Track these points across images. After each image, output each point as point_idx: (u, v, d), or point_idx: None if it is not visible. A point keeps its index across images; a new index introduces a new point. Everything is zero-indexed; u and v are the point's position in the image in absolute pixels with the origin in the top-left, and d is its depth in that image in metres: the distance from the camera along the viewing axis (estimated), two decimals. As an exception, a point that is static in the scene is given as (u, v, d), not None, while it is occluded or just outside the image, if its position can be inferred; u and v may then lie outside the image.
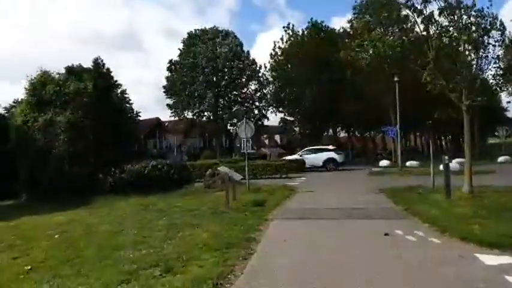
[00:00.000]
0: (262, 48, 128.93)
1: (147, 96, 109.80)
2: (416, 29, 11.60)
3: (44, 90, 16.78)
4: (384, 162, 32.23)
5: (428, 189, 13.95)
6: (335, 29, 45.82)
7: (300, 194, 14.83)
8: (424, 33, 11.21)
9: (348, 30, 43.09)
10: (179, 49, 40.45)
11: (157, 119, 52.79)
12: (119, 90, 25.68)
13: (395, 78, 25.37)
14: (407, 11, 10.40)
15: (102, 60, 18.90)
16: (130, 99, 22.75)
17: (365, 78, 42.30)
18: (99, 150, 16.07)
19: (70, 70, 17.93)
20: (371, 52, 37.68)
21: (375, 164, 37.42)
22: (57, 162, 15.58)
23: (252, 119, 42.72)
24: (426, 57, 11.73)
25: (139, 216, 11.09)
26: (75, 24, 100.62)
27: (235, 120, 39.30)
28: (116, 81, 19.40)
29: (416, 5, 11.12)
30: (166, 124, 51.10)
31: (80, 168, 15.65)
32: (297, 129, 48.92)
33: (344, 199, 12.89)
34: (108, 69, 19.11)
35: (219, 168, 12.27)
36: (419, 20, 11.42)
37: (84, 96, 16.46)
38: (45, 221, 11.19)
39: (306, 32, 44.29)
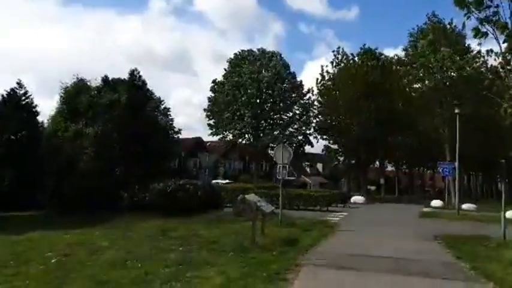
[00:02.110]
0: (309, 77, 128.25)
1: (193, 117, 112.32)
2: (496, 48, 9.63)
3: (77, 99, 16.43)
4: (436, 203, 29.03)
5: (499, 241, 11.49)
6: (388, 56, 43.57)
7: (340, 234, 12.84)
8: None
9: (403, 58, 41.00)
10: (224, 69, 40.29)
11: (199, 138, 52.83)
12: (162, 107, 25.14)
13: (456, 110, 22.80)
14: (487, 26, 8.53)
15: (138, 72, 18.45)
16: (171, 116, 22.25)
17: (418, 109, 39.78)
18: (125, 166, 15.20)
19: (105, 80, 17.55)
20: (427, 82, 35.67)
21: (422, 202, 34.19)
22: (81, 177, 14.89)
23: (294, 145, 41.06)
24: (506, 83, 9.64)
25: (152, 244, 9.79)
26: (132, 43, 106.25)
27: (275, 144, 37.87)
28: (152, 94, 18.76)
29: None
30: (208, 144, 50.87)
31: (103, 184, 14.82)
32: (341, 158, 46.36)
33: (392, 245, 10.76)
34: (143, 81, 18.58)
35: (246, 196, 10.75)
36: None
37: (116, 109, 15.85)
38: (53, 239, 10.23)
39: (357, 58, 42.58)
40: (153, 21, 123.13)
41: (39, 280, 6.49)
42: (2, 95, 20.63)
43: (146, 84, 18.95)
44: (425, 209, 25.47)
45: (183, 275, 6.71)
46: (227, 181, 40.11)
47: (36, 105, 20.85)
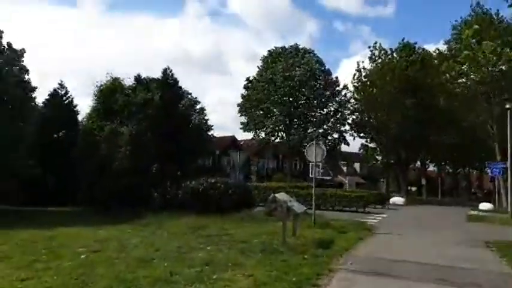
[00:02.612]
0: (345, 74, 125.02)
1: (229, 116, 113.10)
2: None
3: (112, 98, 16.70)
4: (485, 205, 27.07)
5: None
6: (428, 51, 41.40)
7: (378, 237, 12.10)
8: None
9: (445, 51, 38.78)
10: (258, 67, 39.96)
11: (233, 137, 52.96)
12: (198, 106, 25.30)
13: (507, 106, 21.07)
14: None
15: (171, 71, 18.50)
16: (205, 115, 22.27)
17: (462, 105, 37.43)
18: (159, 165, 15.23)
19: (138, 79, 17.72)
20: (472, 76, 33.41)
21: (469, 204, 32.13)
22: (115, 176, 15.10)
23: (329, 143, 39.98)
24: None
25: (182, 241, 9.64)
26: (170, 46, 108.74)
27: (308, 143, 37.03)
28: (184, 92, 18.76)
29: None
30: (241, 143, 50.87)
31: (137, 183, 14.93)
32: (379, 157, 44.63)
33: (437, 250, 9.90)
34: (176, 79, 18.61)
35: (277, 195, 10.31)
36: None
37: (150, 107, 15.94)
38: (87, 235, 10.35)
39: (395, 53, 40.84)
40: (189, 24, 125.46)
41: (67, 276, 6.43)
42: (47, 96, 21.61)
43: (178, 82, 19.03)
44: (473, 212, 23.79)
45: (208, 277, 6.42)
46: (259, 180, 40.01)
47: (76, 105, 21.66)
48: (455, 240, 11.95)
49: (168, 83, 18.50)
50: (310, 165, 13.14)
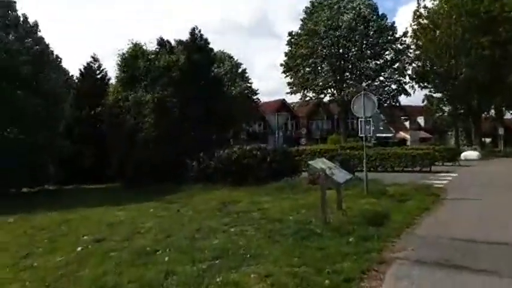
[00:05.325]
0: (403, 25, 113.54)
1: (280, 80, 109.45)
2: None
3: (135, 65, 15.42)
4: None
5: None
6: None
7: (450, 205, 9.69)
8: None
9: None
10: (301, 19, 36.39)
11: (283, 100, 50.60)
12: (240, 69, 23.48)
13: None
14: None
15: (199, 31, 16.68)
16: (249, 79, 20.50)
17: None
18: (188, 133, 13.87)
19: (161, 43, 16.17)
20: None
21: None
22: (142, 147, 14.04)
23: (386, 96, 36.21)
24: None
25: (204, 222, 8.20)
26: (216, 15, 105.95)
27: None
28: (215, 54, 16.91)
29: None
30: (292, 105, 48.48)
31: (167, 153, 13.74)
32: (446, 108, 39.79)
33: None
34: (206, 40, 16.75)
35: (311, 163, 8.38)
36: None
37: (174, 70, 14.41)
38: (101, 218, 9.36)
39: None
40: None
41: (42, 280, 5.28)
42: (80, 70, 21.14)
43: (209, 43, 17.16)
44: None
45: (210, 279, 4.82)
46: (313, 143, 37.78)
47: (110, 78, 20.89)
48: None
49: (196, 44, 16.75)
50: (359, 121, 10.84)
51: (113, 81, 18.85)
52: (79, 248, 6.67)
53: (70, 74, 25.70)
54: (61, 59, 23.69)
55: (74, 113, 19.59)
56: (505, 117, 49.78)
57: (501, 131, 41.14)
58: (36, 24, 17.09)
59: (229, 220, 8.36)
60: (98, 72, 21.31)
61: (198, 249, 6.20)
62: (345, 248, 5.86)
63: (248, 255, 5.71)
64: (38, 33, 17.21)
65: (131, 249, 6.40)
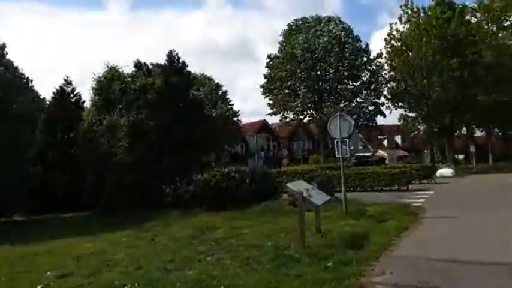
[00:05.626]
0: (377, 46, 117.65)
1: (261, 102, 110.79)
2: None
3: (110, 88, 15.14)
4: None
5: None
6: (466, 5, 36.90)
7: (428, 224, 9.67)
8: None
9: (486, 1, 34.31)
10: (279, 43, 37.11)
11: (264, 121, 50.73)
12: (220, 91, 23.45)
13: None
14: None
15: (177, 54, 16.61)
16: (229, 100, 20.44)
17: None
18: (166, 157, 13.54)
19: (138, 65, 16.01)
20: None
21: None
22: (117, 173, 13.60)
23: (364, 116, 36.88)
24: None
25: (179, 251, 7.87)
26: (196, 39, 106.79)
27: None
28: (194, 78, 16.87)
29: None
30: (274, 126, 48.65)
31: (142, 179, 13.34)
32: (421, 127, 40.82)
33: (510, 241, 7.41)
34: (183, 62, 16.67)
35: (288, 185, 8.25)
36: None
37: (150, 93, 14.21)
38: (68, 250, 8.83)
39: (429, 12, 36.58)
40: (212, 14, 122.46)
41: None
42: (52, 93, 20.50)
43: (187, 66, 17.11)
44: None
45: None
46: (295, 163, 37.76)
47: (84, 102, 20.36)
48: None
49: (173, 67, 16.66)
50: (336, 142, 10.84)
51: (88, 105, 18.46)
52: (39, 287, 6.20)
53: (42, 97, 25.05)
54: (32, 81, 23.18)
55: (46, 138, 18.89)
56: (475, 134, 51.54)
57: (473, 149, 42.51)
58: (2, 47, 16.60)
59: (205, 248, 8.06)
60: (71, 96, 20.77)
61: (170, 282, 5.87)
62: (323, 275, 5.66)
63: (222, 287, 5.43)
64: (6, 56, 16.76)
65: (97, 285, 6.01)
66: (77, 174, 16.24)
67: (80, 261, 7.61)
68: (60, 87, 20.57)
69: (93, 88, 15.56)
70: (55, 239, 10.47)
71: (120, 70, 15.84)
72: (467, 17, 36.38)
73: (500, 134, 56.01)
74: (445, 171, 29.54)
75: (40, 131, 18.92)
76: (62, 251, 8.85)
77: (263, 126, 51.81)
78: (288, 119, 37.80)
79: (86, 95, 19.34)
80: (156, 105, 14.38)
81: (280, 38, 36.99)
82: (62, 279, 6.50)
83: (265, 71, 36.91)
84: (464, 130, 47.64)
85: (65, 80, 20.85)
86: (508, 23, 33.67)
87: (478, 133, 52.91)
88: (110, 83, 15.30)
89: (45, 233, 11.55)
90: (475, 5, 36.35)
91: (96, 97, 15.58)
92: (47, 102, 22.26)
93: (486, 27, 35.57)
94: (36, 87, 26.08)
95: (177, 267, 6.73)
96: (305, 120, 38.54)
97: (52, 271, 7.02)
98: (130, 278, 6.17)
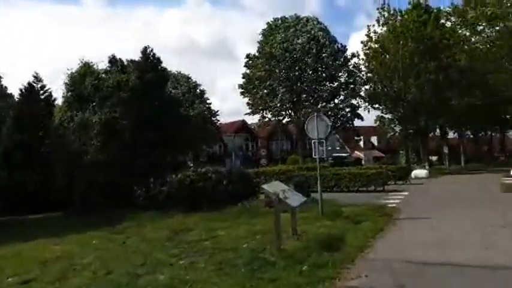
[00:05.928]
0: (355, 47, 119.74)
1: (240, 101, 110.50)
2: None
3: (83, 84, 14.62)
4: (517, 171, 24.16)
5: None
6: (441, 8, 37.81)
7: (402, 225, 9.76)
8: None
9: (461, 6, 35.29)
10: (257, 42, 36.96)
11: (243, 121, 50.47)
12: (198, 90, 23.17)
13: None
14: None
15: (151, 50, 16.21)
16: (207, 99, 20.10)
17: (485, 64, 34.23)
18: (141, 156, 13.18)
19: (112, 61, 15.54)
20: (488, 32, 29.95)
21: (496, 171, 29.24)
22: (88, 172, 13.15)
23: (342, 118, 37.28)
24: None
25: (151, 254, 7.61)
26: (174, 37, 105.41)
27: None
28: (167, 72, 16.49)
29: None
30: (253, 126, 48.46)
31: (113, 178, 12.93)
32: (397, 128, 41.63)
33: (483, 241, 7.48)
34: (158, 59, 16.29)
35: (264, 187, 8.14)
36: None
37: (124, 90, 13.79)
38: (35, 254, 8.42)
39: (406, 15, 37.26)
40: (191, 12, 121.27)
41: None
42: (20, 90, 19.59)
43: (161, 63, 16.71)
44: (507, 181, 21.06)
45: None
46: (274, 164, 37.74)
47: (55, 99, 19.57)
48: (499, 220, 9.49)
49: (148, 63, 16.25)
50: (313, 143, 10.81)
51: (60, 102, 17.77)
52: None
53: (10, 93, 24.01)
54: (0, 77, 22.17)
55: (14, 136, 18.05)
56: (448, 136, 53.12)
57: (446, 150, 43.79)
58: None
59: (178, 251, 7.84)
60: (41, 92, 19.95)
61: (140, 287, 5.65)
62: (298, 279, 5.58)
63: (196, 292, 5.26)
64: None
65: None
66: (47, 174, 15.59)
67: (46, 266, 7.26)
68: (29, 83, 19.71)
69: (65, 84, 15.00)
70: (23, 241, 9.98)
71: (94, 66, 15.32)
72: (442, 21, 37.27)
73: (471, 136, 58.19)
74: (419, 172, 30.12)
75: (7, 128, 18.09)
76: (27, 254, 8.43)
77: (242, 126, 51.61)
78: (266, 119, 37.71)
79: (59, 92, 18.69)
80: (130, 102, 13.98)
81: (260, 37, 36.90)
82: (25, 285, 6.16)
83: (244, 70, 36.82)
84: (438, 132, 49.04)
85: (35, 76, 20.02)
86: (480, 27, 34.65)
87: (451, 135, 54.77)
88: (83, 78, 14.77)
89: (13, 235, 11.01)
90: (450, 9, 37.30)
91: (69, 93, 15.01)
92: (15, 99, 21.31)
93: (460, 31, 36.54)
94: (5, 83, 25.06)
95: (148, 271, 6.50)
96: (284, 121, 38.55)
97: (15, 277, 6.67)
98: (98, 283, 5.92)
